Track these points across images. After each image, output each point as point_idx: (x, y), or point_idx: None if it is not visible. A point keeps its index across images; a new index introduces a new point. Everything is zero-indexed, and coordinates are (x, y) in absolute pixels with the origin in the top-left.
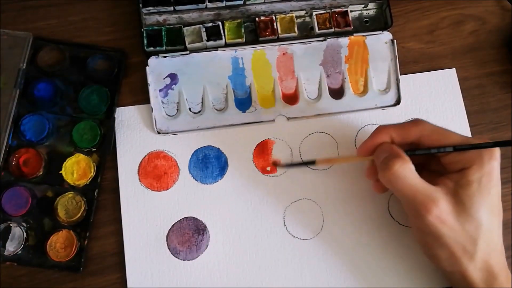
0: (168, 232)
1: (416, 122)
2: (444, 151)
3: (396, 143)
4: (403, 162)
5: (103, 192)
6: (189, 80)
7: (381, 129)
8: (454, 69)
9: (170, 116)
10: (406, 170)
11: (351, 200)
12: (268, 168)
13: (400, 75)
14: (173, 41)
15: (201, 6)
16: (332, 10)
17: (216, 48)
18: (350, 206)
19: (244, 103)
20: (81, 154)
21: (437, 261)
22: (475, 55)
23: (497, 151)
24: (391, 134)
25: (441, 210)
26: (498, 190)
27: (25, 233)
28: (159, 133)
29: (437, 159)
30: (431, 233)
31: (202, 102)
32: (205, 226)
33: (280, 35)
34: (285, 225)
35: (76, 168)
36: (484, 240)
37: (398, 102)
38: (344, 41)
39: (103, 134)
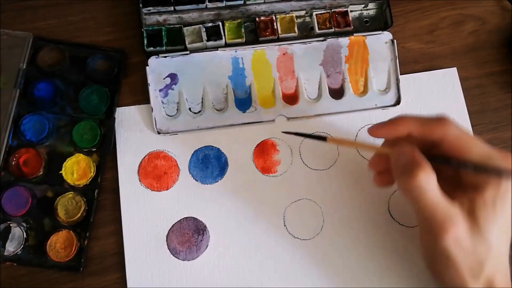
0: (168, 232)
1: (441, 121)
2: (464, 168)
3: (415, 138)
4: (427, 174)
5: (103, 192)
6: (189, 80)
7: (401, 119)
8: (455, 68)
9: (170, 116)
10: (429, 183)
11: (351, 200)
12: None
13: (400, 75)
14: (173, 41)
15: (201, 6)
16: (332, 10)
17: (216, 48)
18: (350, 206)
19: (244, 103)
20: (81, 154)
21: (441, 278)
22: (475, 55)
23: None
24: (411, 128)
25: (458, 232)
26: (510, 209)
27: (25, 233)
28: (159, 133)
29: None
30: (442, 254)
31: (202, 102)
32: (205, 226)
33: (280, 35)
34: (285, 225)
35: (76, 168)
36: (491, 262)
37: (398, 102)
38: (344, 41)
39: (103, 134)
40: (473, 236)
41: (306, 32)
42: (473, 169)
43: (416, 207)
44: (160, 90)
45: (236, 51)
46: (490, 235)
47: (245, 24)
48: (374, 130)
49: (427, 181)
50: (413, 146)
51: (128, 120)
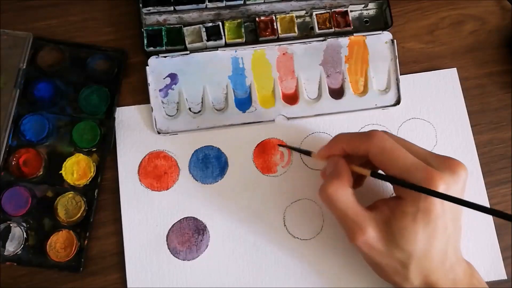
0: (168, 232)
1: (366, 136)
2: (383, 179)
3: (350, 154)
4: (338, 186)
5: (103, 192)
6: (189, 80)
7: (336, 138)
8: (455, 68)
9: (170, 116)
10: (339, 194)
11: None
12: (278, 150)
13: (400, 75)
14: (173, 41)
15: (201, 6)
16: (332, 10)
17: (216, 48)
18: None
19: (244, 103)
20: (81, 154)
21: (377, 274)
22: (475, 55)
23: (441, 186)
24: (343, 146)
25: (367, 238)
26: (447, 220)
27: (25, 233)
28: (159, 133)
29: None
30: (361, 253)
31: (202, 102)
32: (205, 226)
33: (280, 35)
34: (285, 225)
35: (76, 168)
36: (417, 265)
37: (398, 102)
38: (344, 41)
39: (103, 134)
40: (389, 243)
41: (306, 32)
42: (391, 182)
43: (332, 214)
44: (160, 90)
45: (236, 51)
46: (409, 246)
47: (245, 24)
48: (319, 154)
49: (338, 191)
50: (340, 158)
51: (128, 120)
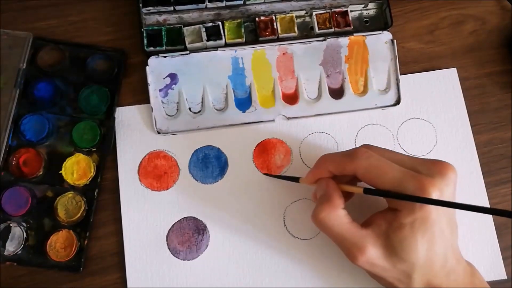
0: (168, 232)
1: (352, 156)
2: (377, 194)
3: (338, 175)
4: (330, 210)
5: (103, 192)
6: (189, 80)
7: (321, 161)
8: (455, 68)
9: (170, 116)
10: (332, 218)
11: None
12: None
13: (400, 75)
14: (173, 41)
15: (201, 6)
16: (332, 10)
17: (216, 48)
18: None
19: (244, 103)
20: (81, 154)
21: (378, 283)
22: (475, 55)
23: (434, 193)
24: (330, 168)
25: (368, 256)
26: (443, 224)
27: (25, 233)
28: (159, 133)
29: None
30: (364, 270)
31: (202, 102)
32: (205, 226)
33: (280, 35)
34: (285, 225)
35: (76, 168)
36: (420, 273)
37: (398, 102)
38: (344, 41)
39: (103, 134)
40: (390, 257)
41: (306, 32)
42: (382, 195)
43: (329, 237)
44: (160, 90)
45: (236, 51)
46: (410, 256)
47: (245, 24)
48: (306, 178)
49: (330, 215)
50: (329, 180)
51: (128, 120)
